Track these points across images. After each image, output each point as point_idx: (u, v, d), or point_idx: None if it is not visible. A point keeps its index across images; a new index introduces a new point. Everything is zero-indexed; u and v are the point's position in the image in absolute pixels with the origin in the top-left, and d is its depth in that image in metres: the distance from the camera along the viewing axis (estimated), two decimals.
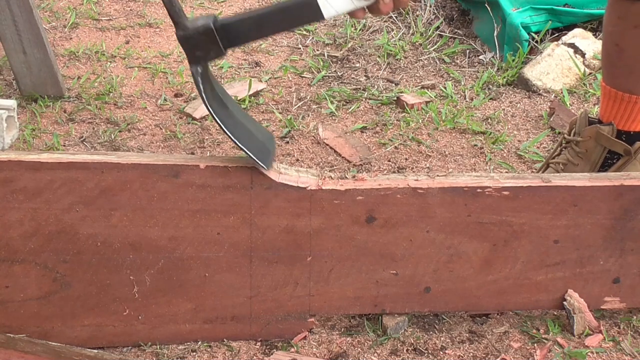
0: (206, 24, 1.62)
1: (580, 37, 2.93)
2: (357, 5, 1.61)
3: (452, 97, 2.78)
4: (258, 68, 2.96)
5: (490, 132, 2.58)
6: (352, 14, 1.62)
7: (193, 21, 1.64)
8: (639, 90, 2.05)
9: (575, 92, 2.80)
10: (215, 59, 1.66)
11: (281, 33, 1.67)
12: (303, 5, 1.62)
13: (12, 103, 1.58)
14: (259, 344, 1.80)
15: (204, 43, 1.63)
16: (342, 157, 2.47)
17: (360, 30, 3.18)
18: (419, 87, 2.85)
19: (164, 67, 2.93)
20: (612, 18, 2.04)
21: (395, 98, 2.76)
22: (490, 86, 2.85)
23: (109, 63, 2.95)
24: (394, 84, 2.87)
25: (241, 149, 1.67)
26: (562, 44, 2.92)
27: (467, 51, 3.06)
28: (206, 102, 1.65)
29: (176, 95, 2.77)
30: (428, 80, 2.89)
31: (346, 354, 1.77)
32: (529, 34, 2.96)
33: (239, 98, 2.72)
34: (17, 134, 1.58)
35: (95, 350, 1.69)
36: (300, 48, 3.10)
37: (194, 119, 2.62)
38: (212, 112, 1.65)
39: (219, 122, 1.65)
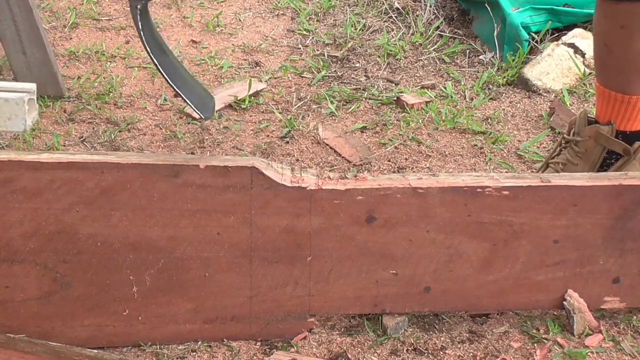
0: None
1: (580, 37, 2.94)
2: None
3: (452, 97, 2.78)
4: (258, 68, 2.96)
5: (490, 132, 2.58)
6: None
7: None
8: (631, 89, 2.06)
9: (575, 92, 2.80)
10: None
11: None
12: None
13: (32, 86, 1.60)
14: (259, 344, 1.80)
15: None
16: (342, 157, 2.47)
17: (360, 30, 3.18)
18: (419, 87, 2.85)
19: None
20: (600, 18, 2.05)
21: (395, 98, 2.76)
22: (490, 86, 2.85)
23: (109, 63, 2.95)
24: (394, 84, 2.87)
25: (178, 94, 1.64)
26: (562, 44, 2.92)
27: (467, 51, 3.06)
28: (144, 43, 1.62)
29: (176, 95, 2.77)
30: (428, 80, 2.89)
31: (346, 354, 1.77)
32: (529, 34, 2.96)
33: (239, 98, 2.72)
34: (37, 116, 1.60)
35: (95, 350, 1.69)
36: (300, 48, 3.10)
37: (194, 119, 2.62)
38: (150, 53, 1.62)
39: (156, 63, 1.63)
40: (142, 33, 1.63)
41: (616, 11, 1.98)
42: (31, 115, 1.59)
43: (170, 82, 1.64)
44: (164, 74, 1.63)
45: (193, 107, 1.64)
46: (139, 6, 1.64)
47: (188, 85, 1.68)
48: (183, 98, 1.64)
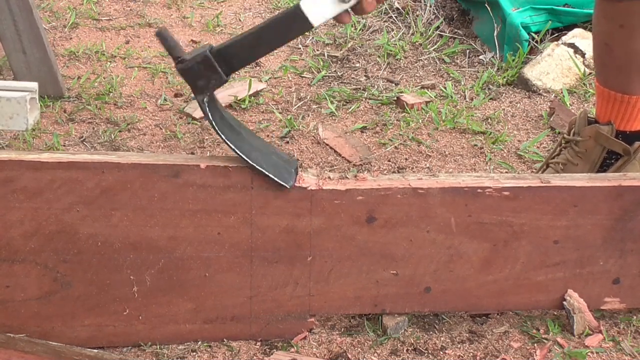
0: (203, 53, 1.65)
1: (580, 37, 2.94)
2: (342, 7, 1.62)
3: (452, 97, 2.78)
4: (258, 68, 2.96)
5: (490, 132, 2.58)
6: (338, 18, 1.64)
7: (191, 53, 1.67)
8: (631, 89, 2.06)
9: (575, 92, 2.80)
10: (218, 87, 1.68)
11: (276, 49, 1.71)
12: (290, 18, 1.65)
13: (34, 85, 1.61)
14: (259, 344, 1.80)
15: (204, 72, 1.65)
16: (342, 157, 2.47)
17: (360, 30, 3.18)
18: (419, 87, 2.85)
19: (164, 67, 2.93)
20: (600, 18, 2.05)
21: (395, 98, 2.76)
22: (490, 86, 2.85)
23: (109, 63, 2.95)
24: (394, 84, 2.87)
25: (257, 169, 1.68)
26: (562, 44, 2.92)
27: (467, 51, 3.06)
28: (217, 130, 1.67)
29: (176, 95, 2.77)
30: (428, 80, 2.89)
31: (346, 354, 1.77)
32: (529, 34, 2.96)
33: (239, 98, 2.72)
34: (38, 115, 1.61)
35: (95, 350, 1.69)
36: (300, 48, 3.10)
37: (194, 119, 2.62)
38: (224, 138, 1.67)
39: (232, 146, 1.67)
40: (213, 123, 1.67)
41: (616, 10, 1.98)
42: (33, 114, 1.60)
43: (251, 162, 1.68)
44: (240, 154, 1.68)
45: (271, 176, 1.69)
46: (205, 99, 1.67)
47: (267, 158, 1.73)
48: (261, 171, 1.68)
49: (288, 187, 1.70)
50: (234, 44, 1.67)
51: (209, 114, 1.67)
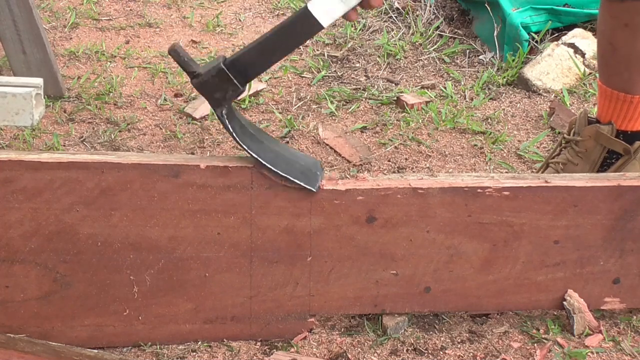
0: (217, 65, 1.66)
1: (580, 37, 2.94)
2: (349, 4, 1.62)
3: (452, 97, 2.78)
4: None
5: (490, 132, 2.58)
6: (346, 16, 1.64)
7: (204, 66, 1.67)
8: (634, 89, 2.06)
9: (575, 92, 2.80)
10: (236, 98, 1.69)
11: (289, 54, 1.70)
12: (300, 21, 1.65)
13: (39, 81, 1.62)
14: (259, 344, 1.80)
15: (220, 84, 1.66)
16: (342, 157, 2.47)
17: (360, 30, 3.18)
18: (419, 87, 2.85)
19: (164, 67, 2.93)
20: (605, 17, 2.05)
21: (395, 98, 2.76)
22: (490, 86, 2.85)
23: (109, 63, 2.95)
24: (394, 84, 2.87)
25: (283, 177, 1.68)
26: (562, 44, 2.92)
27: (467, 51, 3.06)
28: (238, 140, 1.67)
29: (176, 95, 2.77)
30: (428, 80, 2.89)
31: (346, 354, 1.77)
32: (529, 34, 2.96)
33: (239, 98, 2.71)
34: (43, 110, 1.61)
35: (95, 350, 1.69)
36: (300, 48, 3.10)
37: (194, 119, 2.62)
38: (246, 148, 1.67)
39: (255, 156, 1.67)
40: (234, 134, 1.68)
41: (621, 10, 1.98)
42: (38, 110, 1.60)
43: (275, 170, 1.68)
44: (264, 163, 1.68)
45: (297, 182, 1.69)
46: (224, 111, 1.68)
47: (290, 164, 1.73)
48: (287, 178, 1.69)
49: (314, 190, 1.70)
50: (247, 53, 1.67)
51: (229, 126, 1.68)
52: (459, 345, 1.81)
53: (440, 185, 1.75)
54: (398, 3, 3.29)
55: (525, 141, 2.55)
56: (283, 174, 1.68)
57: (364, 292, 1.79)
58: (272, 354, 1.76)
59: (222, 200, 1.70)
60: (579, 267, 1.82)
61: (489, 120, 2.65)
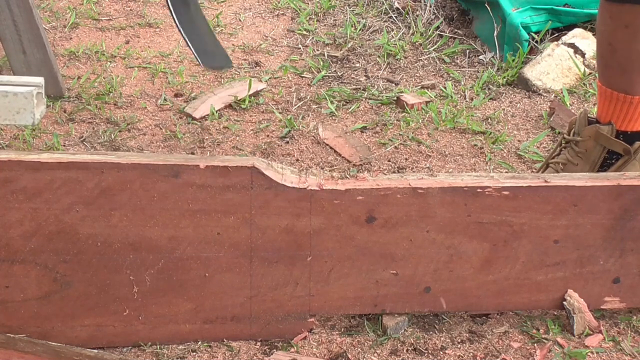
0: None
1: (580, 37, 2.94)
2: None
3: (452, 97, 2.78)
4: (258, 68, 2.96)
5: (490, 132, 2.58)
6: None
7: None
8: (633, 89, 2.06)
9: (575, 92, 2.80)
10: None
11: None
12: None
13: (40, 80, 1.62)
14: (259, 344, 1.80)
15: None
16: (342, 157, 2.47)
17: (360, 30, 3.18)
18: (419, 87, 2.85)
19: (164, 67, 2.93)
20: (604, 18, 2.05)
21: (395, 98, 2.76)
22: (490, 86, 2.85)
23: (109, 63, 2.95)
24: (394, 84, 2.87)
25: (185, 40, 1.67)
26: (562, 44, 2.92)
27: (467, 51, 3.06)
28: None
29: (176, 95, 2.77)
30: (428, 80, 2.89)
31: (346, 354, 1.77)
32: (529, 34, 2.96)
33: (239, 98, 2.72)
34: (45, 110, 1.61)
35: (95, 350, 1.69)
36: (300, 48, 3.10)
37: (194, 119, 2.62)
38: (170, 5, 1.65)
39: (172, 10, 1.65)
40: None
41: (620, 11, 1.98)
42: (39, 109, 1.60)
43: (180, 29, 1.67)
44: (176, 20, 1.67)
45: (193, 51, 1.69)
46: None
47: (199, 36, 1.72)
48: (187, 43, 1.68)
49: (202, 65, 1.68)
50: None
51: None
52: (459, 345, 1.81)
53: (440, 185, 1.75)
54: (398, 3, 3.30)
55: (525, 141, 2.55)
56: (186, 38, 1.67)
57: (364, 292, 1.79)
58: (272, 354, 1.76)
59: (222, 200, 1.70)
60: (578, 266, 1.82)
61: (489, 120, 2.65)
